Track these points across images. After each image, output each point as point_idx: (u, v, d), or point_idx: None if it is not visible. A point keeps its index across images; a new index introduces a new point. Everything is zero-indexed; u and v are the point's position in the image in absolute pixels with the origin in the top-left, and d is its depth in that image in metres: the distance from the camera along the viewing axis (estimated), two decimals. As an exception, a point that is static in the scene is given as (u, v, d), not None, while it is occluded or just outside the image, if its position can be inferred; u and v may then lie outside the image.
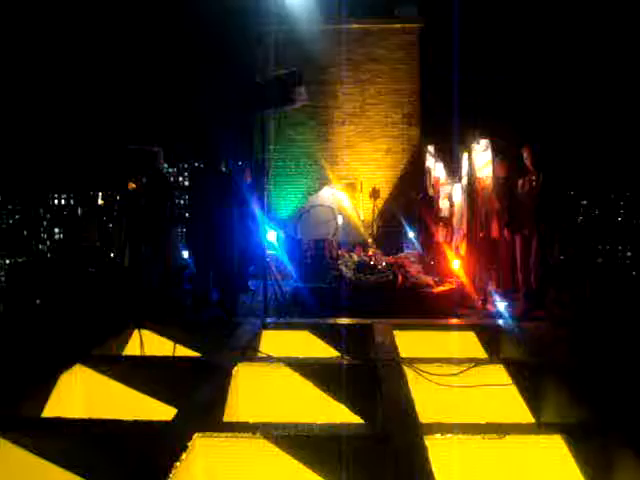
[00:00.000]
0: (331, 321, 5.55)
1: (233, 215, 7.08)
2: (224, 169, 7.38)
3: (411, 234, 11.77)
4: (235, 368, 4.08)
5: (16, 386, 3.63)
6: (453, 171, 9.67)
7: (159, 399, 4.05)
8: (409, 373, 3.99)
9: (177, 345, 4.83)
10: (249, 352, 4.58)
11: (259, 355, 4.66)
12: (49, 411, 3.62)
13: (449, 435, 3.01)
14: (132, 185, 7.31)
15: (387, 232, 12.71)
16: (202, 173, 7.69)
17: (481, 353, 5.06)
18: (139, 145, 7.55)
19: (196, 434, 2.98)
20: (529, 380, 4.07)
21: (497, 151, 8.15)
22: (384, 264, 8.95)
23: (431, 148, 11.29)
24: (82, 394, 4.11)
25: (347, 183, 14.28)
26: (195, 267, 7.38)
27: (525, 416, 3.97)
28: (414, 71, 14.41)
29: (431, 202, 10.63)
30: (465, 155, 8.67)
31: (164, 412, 3.80)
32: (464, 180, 8.67)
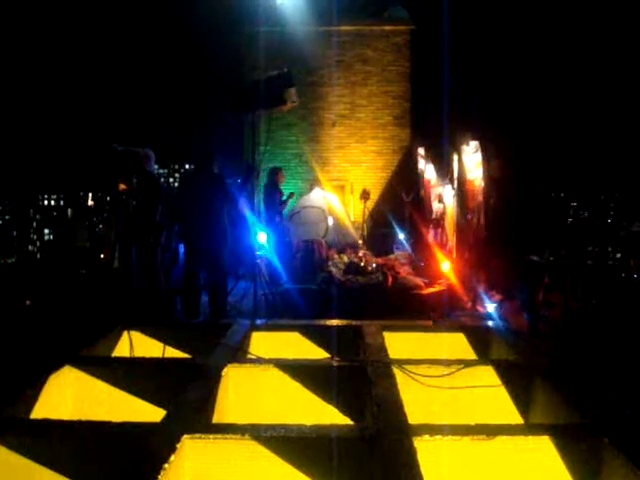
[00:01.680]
0: (321, 322, 5.55)
1: (224, 216, 7.10)
2: (216, 171, 7.39)
3: (401, 235, 11.80)
4: (225, 369, 4.07)
5: (3, 387, 3.62)
6: (444, 173, 9.71)
7: (148, 400, 4.04)
8: (398, 374, 3.99)
9: (166, 346, 4.82)
10: (239, 353, 4.58)
11: (249, 356, 4.65)
12: (37, 412, 3.61)
13: (438, 436, 3.02)
14: (123, 186, 7.29)
15: (377, 233, 12.75)
16: (193, 175, 7.70)
17: (470, 354, 5.07)
18: (127, 146, 7.53)
19: (185, 436, 2.97)
20: (518, 381, 4.08)
21: (488, 153, 8.19)
22: (374, 265, 8.98)
23: (421, 150, 11.34)
24: (71, 395, 4.10)
25: (338, 184, 14.30)
26: (185, 268, 7.39)
27: (514, 417, 3.99)
28: (405, 73, 14.45)
29: (421, 203, 10.67)
30: (455, 157, 8.71)
31: (153, 413, 3.79)
32: (455, 182, 8.71)
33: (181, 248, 8.12)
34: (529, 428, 3.44)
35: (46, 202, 54.27)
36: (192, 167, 8.08)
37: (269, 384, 4.14)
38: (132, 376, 4.15)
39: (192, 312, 7.12)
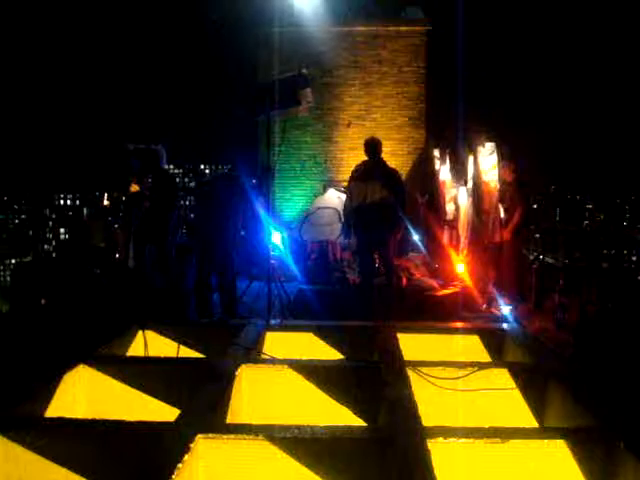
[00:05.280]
0: (335, 323, 5.55)
1: (236, 217, 7.11)
2: (234, 173, 7.41)
3: (415, 237, 11.73)
4: (238, 370, 4.08)
5: (19, 386, 3.64)
6: (459, 174, 9.67)
7: (162, 400, 4.06)
8: (412, 376, 3.98)
9: (181, 346, 4.84)
10: (253, 354, 4.59)
11: (263, 357, 4.66)
12: (52, 411, 3.63)
13: (452, 439, 3.01)
14: (135, 187, 7.31)
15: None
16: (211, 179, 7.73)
17: (485, 357, 5.05)
18: (142, 144, 7.55)
19: (199, 435, 2.98)
20: (533, 384, 4.06)
21: (503, 155, 8.17)
22: (388, 267, 8.93)
23: (436, 151, 11.29)
24: (85, 394, 4.12)
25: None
26: (197, 268, 7.41)
27: (528, 421, 3.97)
28: (420, 74, 14.40)
29: (436, 205, 10.62)
30: (471, 158, 8.68)
31: (167, 413, 3.80)
32: (469, 183, 8.68)
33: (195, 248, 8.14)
34: (544, 431, 3.43)
35: (62, 201, 54.56)
36: (206, 168, 8.11)
37: (283, 385, 4.14)
38: (146, 376, 4.16)
39: (204, 312, 7.14)
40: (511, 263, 8.34)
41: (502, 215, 8.55)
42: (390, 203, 7.18)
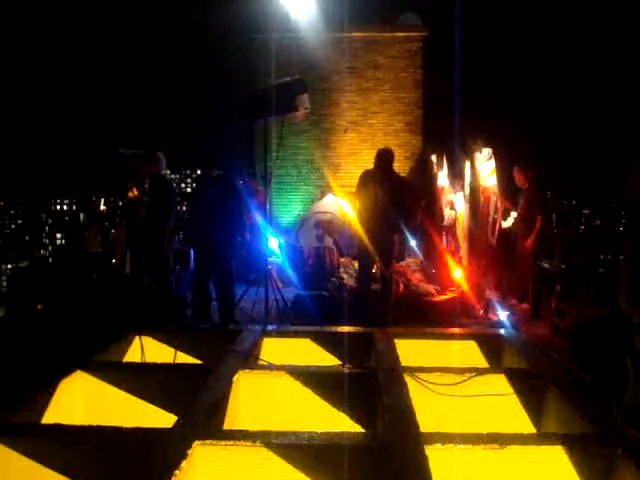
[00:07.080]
0: (332, 329, 5.54)
1: (234, 223, 7.10)
2: (233, 180, 7.41)
3: (413, 242, 11.72)
4: (236, 376, 4.07)
5: (15, 392, 3.63)
6: (456, 179, 9.67)
7: (159, 406, 4.05)
8: (410, 382, 3.98)
9: (178, 352, 4.83)
10: (250, 359, 4.58)
11: (260, 363, 4.65)
12: (48, 417, 3.62)
13: (450, 445, 3.00)
14: (135, 192, 7.29)
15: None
16: (207, 181, 7.71)
17: (482, 362, 5.05)
18: (140, 150, 7.55)
19: (196, 442, 2.97)
20: (530, 390, 4.06)
21: (501, 160, 8.18)
22: (386, 272, 8.92)
23: (433, 157, 11.31)
24: (82, 400, 4.10)
25: (350, 191, 14.27)
26: (195, 274, 7.39)
27: (526, 426, 3.96)
28: (417, 79, 14.41)
29: (434, 210, 10.63)
30: (468, 164, 8.69)
31: (164, 419, 3.79)
32: (467, 189, 8.69)
33: (192, 253, 8.13)
34: (542, 438, 3.42)
35: (58, 207, 54.52)
36: (204, 172, 8.08)
37: (280, 390, 4.13)
38: (143, 381, 4.15)
39: (202, 318, 7.11)
40: (524, 270, 8.35)
41: (506, 224, 8.59)
42: (395, 211, 7.20)
